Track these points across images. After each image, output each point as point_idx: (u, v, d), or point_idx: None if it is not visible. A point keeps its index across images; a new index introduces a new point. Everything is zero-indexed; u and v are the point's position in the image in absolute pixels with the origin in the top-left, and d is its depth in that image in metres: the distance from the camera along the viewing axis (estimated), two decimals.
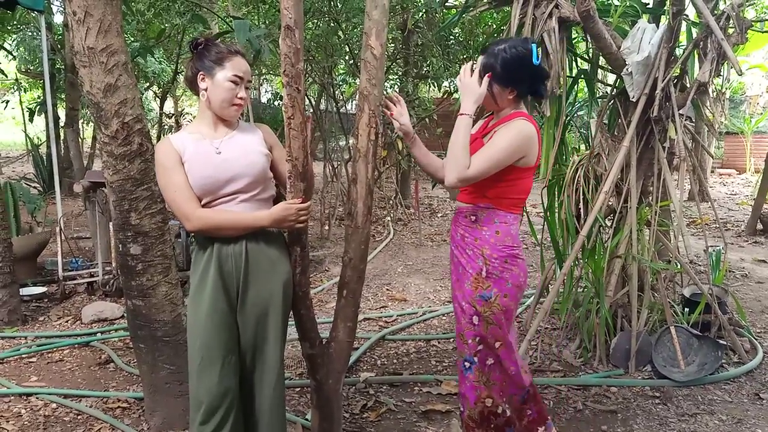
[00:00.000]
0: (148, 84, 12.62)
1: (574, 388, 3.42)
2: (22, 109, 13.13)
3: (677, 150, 3.58)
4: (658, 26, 3.66)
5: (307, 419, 2.93)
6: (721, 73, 3.54)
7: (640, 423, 3.05)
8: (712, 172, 14.18)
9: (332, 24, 7.54)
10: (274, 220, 2.08)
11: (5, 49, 12.27)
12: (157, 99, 15.01)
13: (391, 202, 8.98)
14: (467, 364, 2.34)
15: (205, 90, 2.12)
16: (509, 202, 2.30)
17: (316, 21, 7.70)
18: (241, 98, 2.13)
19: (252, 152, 2.14)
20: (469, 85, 2.25)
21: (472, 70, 2.27)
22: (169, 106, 16.83)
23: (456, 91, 7.72)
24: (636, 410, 3.18)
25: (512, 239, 2.30)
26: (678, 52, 3.71)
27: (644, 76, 3.55)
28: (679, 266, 3.99)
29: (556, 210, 4.07)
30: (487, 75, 2.25)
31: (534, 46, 2.26)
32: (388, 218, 8.38)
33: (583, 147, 7.61)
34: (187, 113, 19.04)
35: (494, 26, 8.08)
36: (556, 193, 4.09)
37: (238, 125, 2.22)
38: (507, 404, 2.38)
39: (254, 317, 2.13)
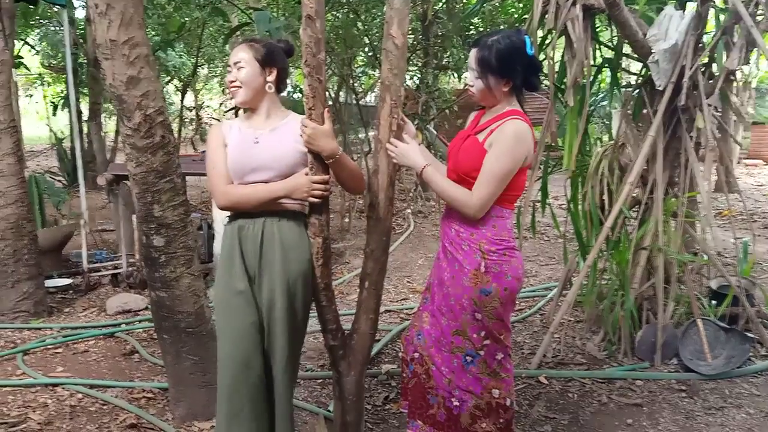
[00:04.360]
0: (168, 78, 12.73)
1: (599, 381, 3.38)
2: (46, 104, 13.33)
3: (704, 140, 3.50)
4: (684, 13, 3.58)
5: (329, 411, 2.93)
6: (750, 61, 3.46)
7: (666, 416, 3.01)
8: (738, 162, 13.92)
9: (351, 15, 7.52)
10: (286, 190, 2.13)
11: (28, 44, 12.46)
12: (177, 92, 15.13)
13: (411, 194, 8.94)
14: (468, 358, 2.30)
15: None
16: (504, 198, 2.25)
17: (335, 12, 7.69)
18: (230, 82, 2.20)
19: (285, 147, 2.16)
20: (403, 151, 2.24)
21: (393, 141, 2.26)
22: (189, 99, 16.96)
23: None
24: (662, 404, 3.14)
25: (508, 233, 2.28)
26: (705, 39, 3.62)
27: (671, 64, 3.47)
28: (706, 258, 3.92)
29: (580, 201, 4.01)
30: (405, 133, 2.27)
31: (527, 36, 2.21)
32: (408, 210, 8.35)
33: (605, 138, 7.52)
34: (207, 106, 19.17)
35: (516, 15, 8.01)
36: (580, 184, 4.04)
37: (289, 116, 2.25)
38: (513, 396, 2.36)
39: (266, 303, 2.16)
